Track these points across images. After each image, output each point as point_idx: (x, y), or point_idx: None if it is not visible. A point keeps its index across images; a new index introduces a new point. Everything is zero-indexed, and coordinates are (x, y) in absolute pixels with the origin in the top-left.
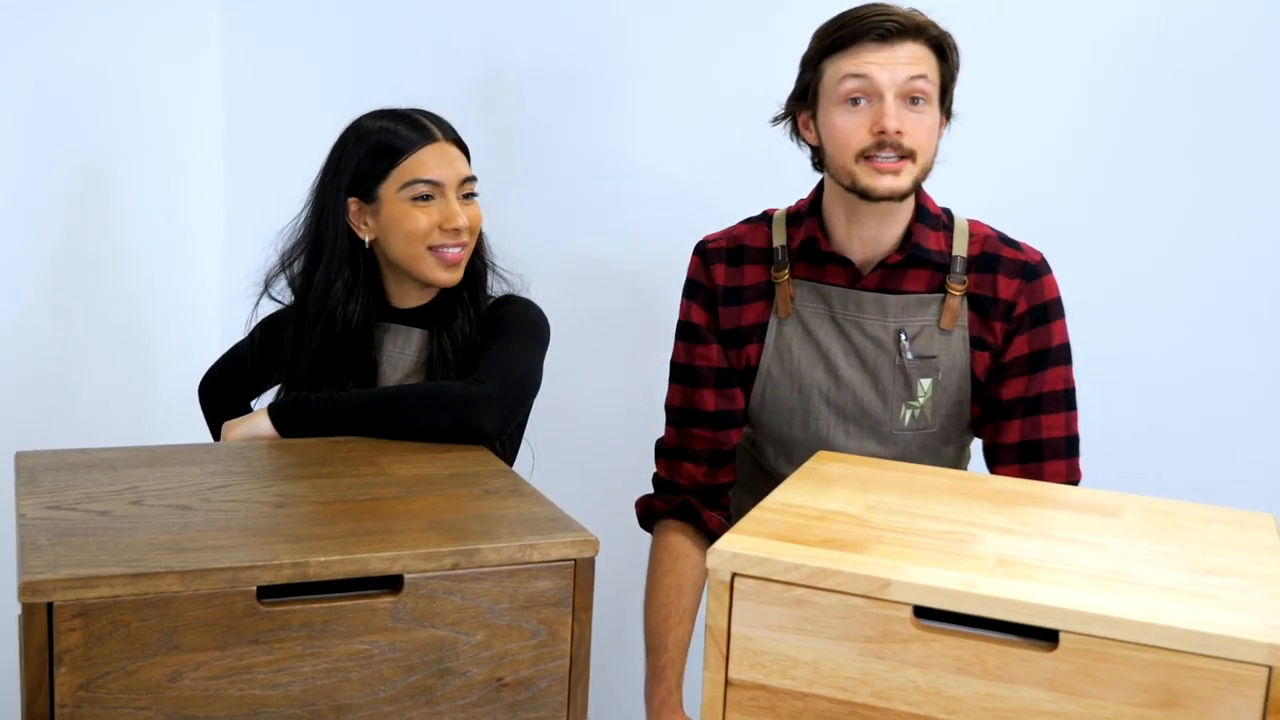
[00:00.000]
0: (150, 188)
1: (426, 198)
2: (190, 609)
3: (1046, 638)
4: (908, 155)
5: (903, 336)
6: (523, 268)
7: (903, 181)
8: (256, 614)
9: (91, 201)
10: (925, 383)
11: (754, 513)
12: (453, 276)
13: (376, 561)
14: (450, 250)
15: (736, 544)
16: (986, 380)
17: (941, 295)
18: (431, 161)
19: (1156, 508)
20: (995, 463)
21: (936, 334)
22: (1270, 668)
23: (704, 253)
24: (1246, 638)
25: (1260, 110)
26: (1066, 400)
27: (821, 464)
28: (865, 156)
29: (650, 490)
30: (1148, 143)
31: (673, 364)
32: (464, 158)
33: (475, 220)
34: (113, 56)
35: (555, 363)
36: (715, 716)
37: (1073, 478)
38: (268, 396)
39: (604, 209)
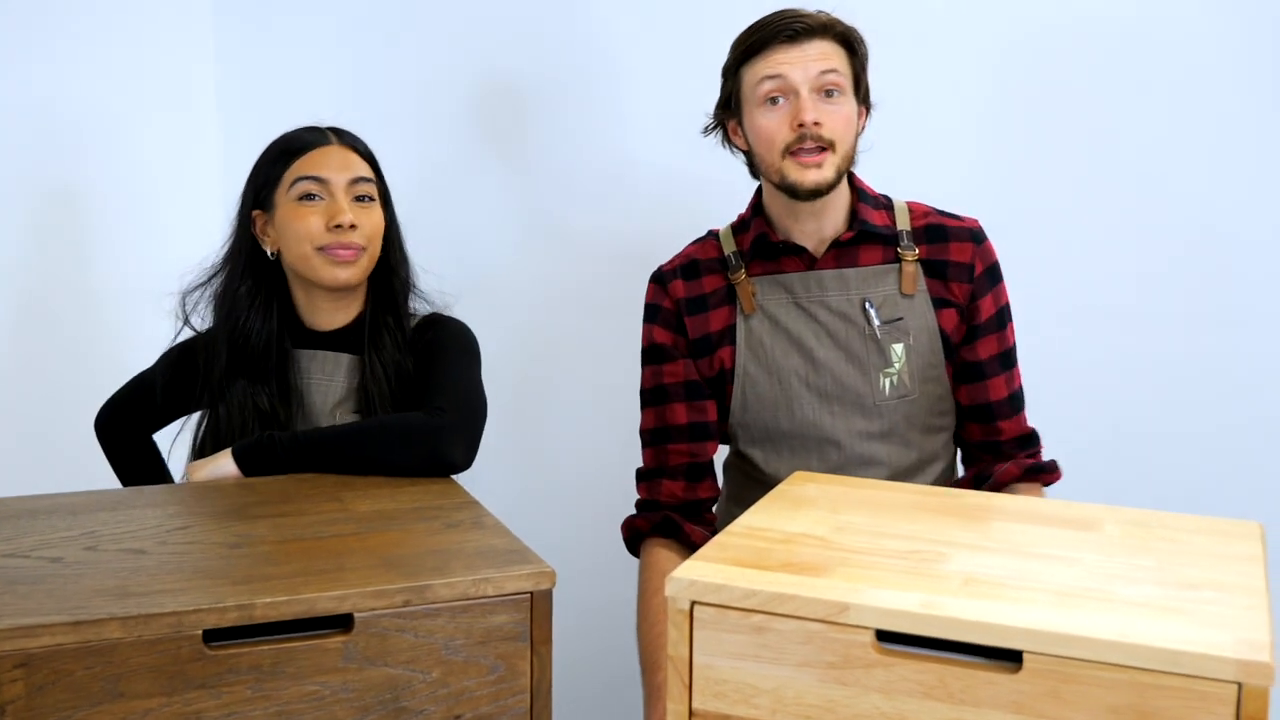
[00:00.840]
0: (140, 220)
1: (312, 196)
2: (134, 655)
3: (1011, 659)
4: (827, 146)
5: (867, 305)
6: (505, 284)
7: (826, 174)
8: (203, 658)
9: (78, 232)
10: (898, 348)
11: (719, 538)
12: (346, 275)
13: (324, 601)
14: (339, 250)
15: (694, 571)
16: (960, 341)
17: (897, 265)
18: (318, 161)
19: (1138, 519)
20: (991, 418)
21: (900, 299)
22: (1239, 684)
23: (659, 278)
24: (1215, 654)
25: (1257, 106)
26: (1010, 359)
27: (795, 485)
28: (790, 152)
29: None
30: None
31: (642, 391)
32: (362, 161)
33: (370, 225)
34: (107, 87)
35: (548, 377)
36: None
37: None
38: (172, 430)
39: (593, 225)
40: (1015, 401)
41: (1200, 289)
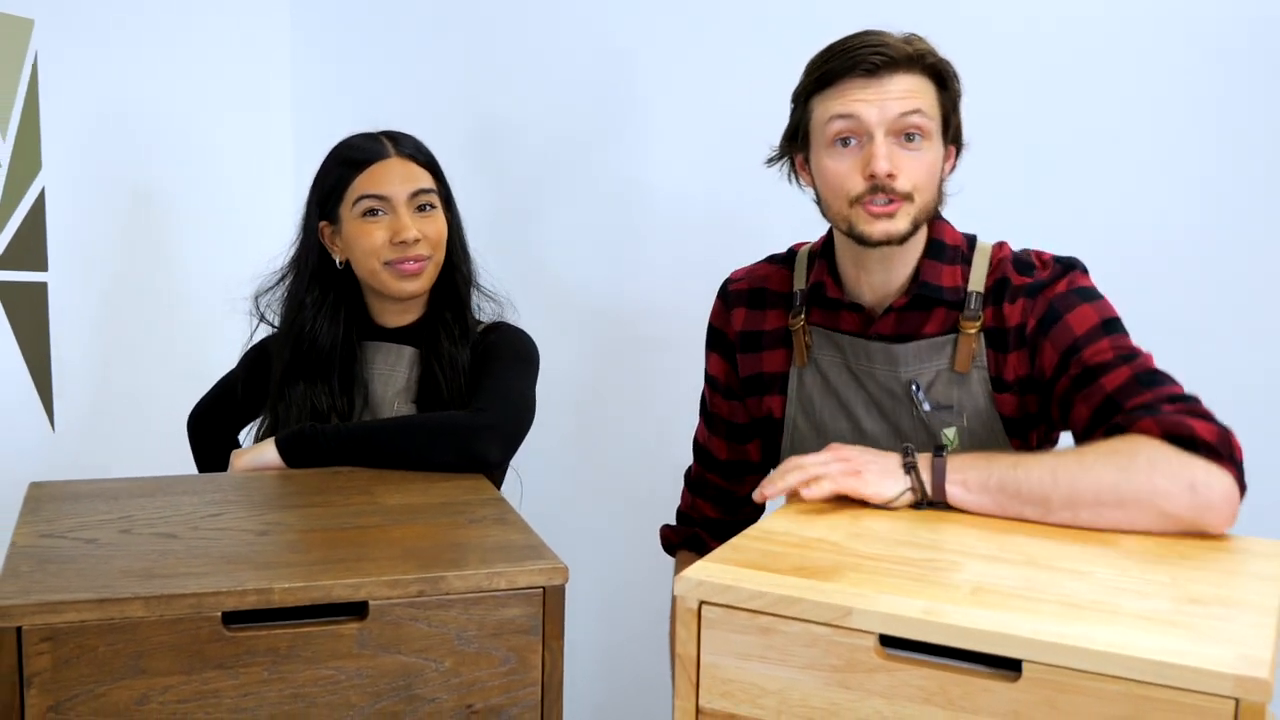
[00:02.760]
0: (215, 220)
1: (375, 213)
2: (156, 634)
3: (1012, 667)
4: (904, 197)
5: (915, 388)
6: (557, 296)
7: (899, 225)
8: (222, 639)
9: (160, 231)
10: (949, 431)
11: (734, 540)
12: (414, 287)
13: (340, 588)
14: (406, 264)
15: (704, 572)
16: (1058, 416)
17: (955, 335)
18: (379, 177)
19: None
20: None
21: (953, 379)
22: (1237, 700)
23: (726, 296)
24: (1212, 669)
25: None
26: (1116, 356)
27: None
28: (859, 201)
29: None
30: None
31: (701, 400)
32: (422, 170)
33: (434, 233)
34: (185, 91)
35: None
36: None
37: (1160, 393)
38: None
39: (624, 240)
40: (1148, 380)
41: None
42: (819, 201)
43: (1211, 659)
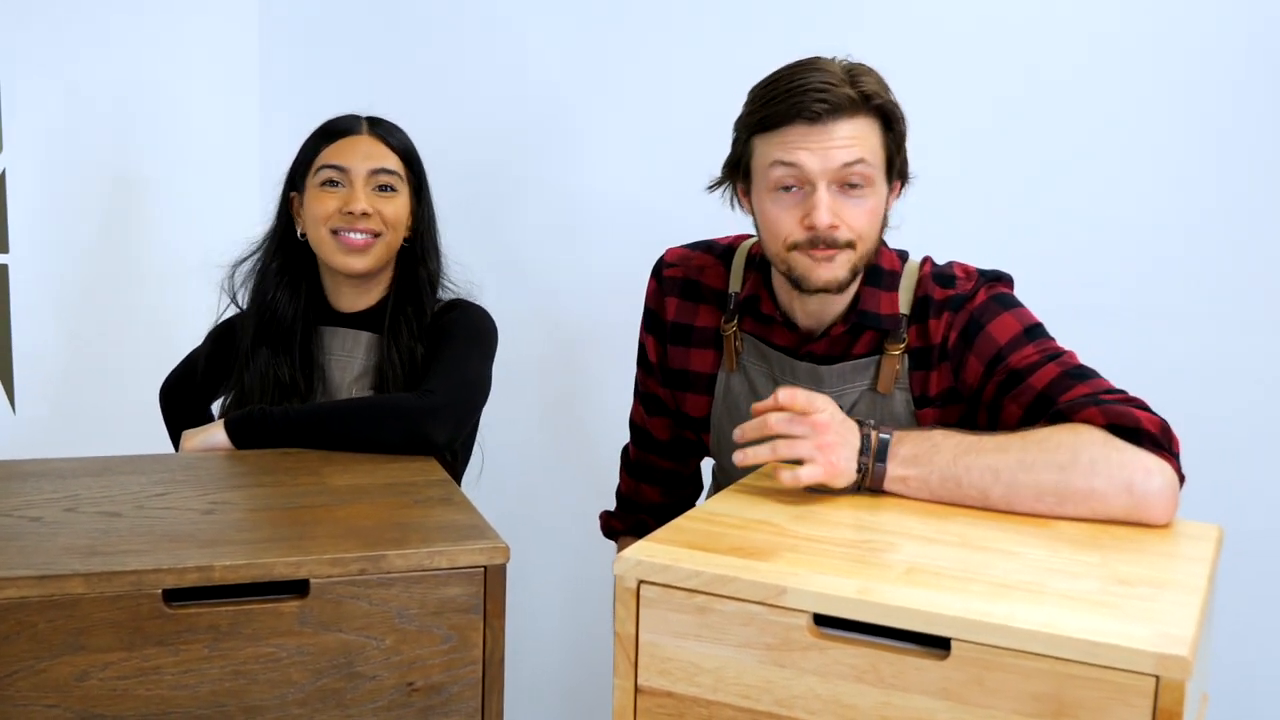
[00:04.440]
0: (184, 200)
1: (333, 183)
2: (96, 611)
3: (941, 645)
4: (845, 245)
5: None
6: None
7: (838, 272)
8: (162, 616)
9: (124, 213)
10: None
11: (676, 520)
12: (357, 264)
13: (282, 566)
14: (351, 235)
15: (643, 552)
16: (985, 422)
17: (879, 356)
18: (344, 149)
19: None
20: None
21: (876, 399)
22: (1157, 677)
23: (660, 278)
24: (1134, 646)
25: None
26: (1043, 357)
27: (765, 478)
28: (798, 247)
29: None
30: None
31: (636, 380)
32: (389, 153)
33: (389, 212)
34: (150, 67)
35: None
36: None
37: (1096, 391)
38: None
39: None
40: (1077, 375)
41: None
42: (759, 234)
43: (1133, 637)
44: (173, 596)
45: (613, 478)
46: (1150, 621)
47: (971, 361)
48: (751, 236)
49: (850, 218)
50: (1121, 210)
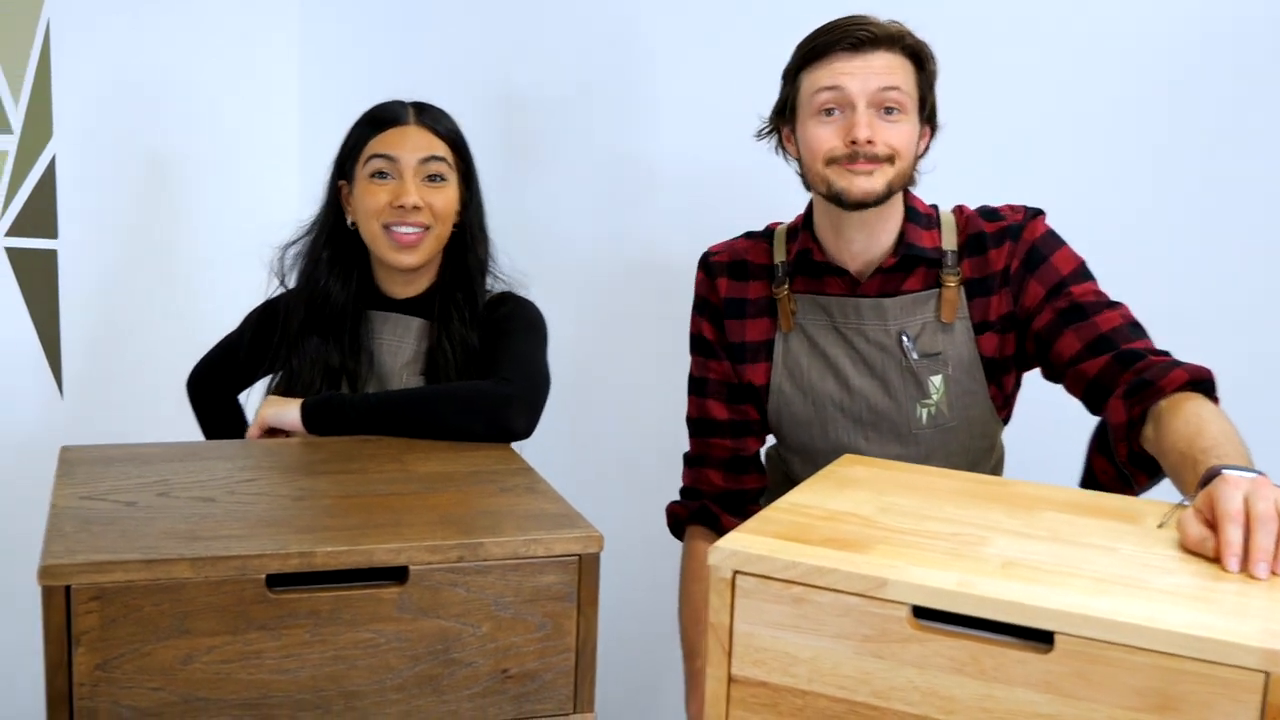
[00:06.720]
0: (224, 186)
1: (383, 175)
2: (201, 595)
3: (1043, 639)
4: (883, 159)
5: (904, 338)
6: (563, 269)
7: (875, 183)
8: (265, 601)
9: (168, 201)
10: (936, 379)
11: (764, 512)
12: (408, 260)
13: (382, 553)
14: (402, 230)
15: (738, 542)
16: (1034, 350)
17: (938, 289)
18: (393, 139)
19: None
20: (1101, 395)
21: (939, 329)
22: (1267, 673)
23: (708, 266)
24: (1242, 642)
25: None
26: (1106, 300)
27: (843, 467)
28: (838, 161)
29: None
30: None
31: (689, 377)
32: (439, 141)
33: (440, 204)
34: (194, 57)
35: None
36: (718, 713)
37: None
38: (258, 390)
39: (627, 208)
40: (1137, 329)
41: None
42: (802, 173)
43: (1241, 633)
44: (275, 581)
45: (647, 470)
46: (1256, 617)
47: (1032, 286)
48: (781, 223)
49: (887, 135)
50: (1122, 210)
